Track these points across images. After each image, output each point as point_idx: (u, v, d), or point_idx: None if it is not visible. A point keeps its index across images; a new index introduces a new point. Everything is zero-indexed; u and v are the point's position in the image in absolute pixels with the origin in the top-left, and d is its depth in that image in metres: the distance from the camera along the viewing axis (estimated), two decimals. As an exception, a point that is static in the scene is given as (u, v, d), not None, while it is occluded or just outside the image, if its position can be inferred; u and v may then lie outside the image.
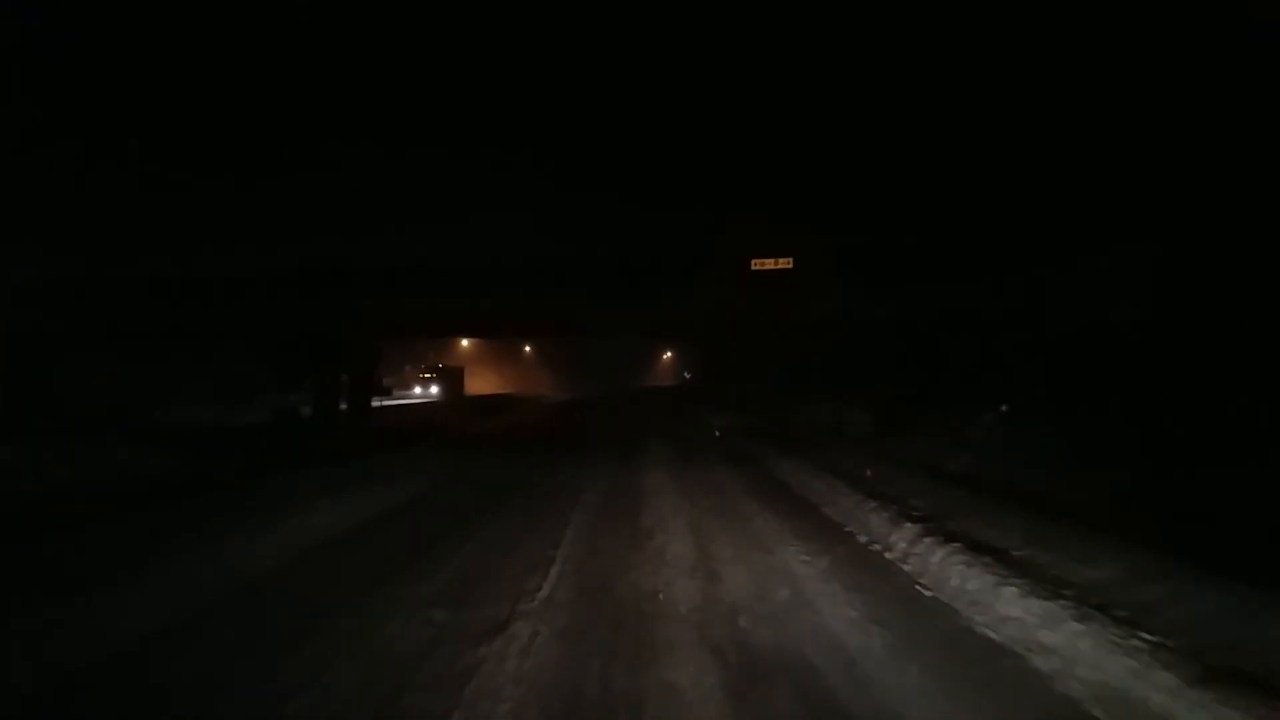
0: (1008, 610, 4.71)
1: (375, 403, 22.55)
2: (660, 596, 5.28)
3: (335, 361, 18.28)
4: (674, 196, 12.58)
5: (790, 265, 12.28)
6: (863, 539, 7.17)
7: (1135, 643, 3.89)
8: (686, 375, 70.81)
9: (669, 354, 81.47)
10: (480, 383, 62.18)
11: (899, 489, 8.84)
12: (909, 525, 6.92)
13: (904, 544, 6.60)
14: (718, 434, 19.02)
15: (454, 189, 15.03)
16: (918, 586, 5.63)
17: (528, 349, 73.90)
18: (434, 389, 41.18)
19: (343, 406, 20.25)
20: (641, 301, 14.53)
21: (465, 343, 69.18)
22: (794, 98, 11.84)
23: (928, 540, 6.37)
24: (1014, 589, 4.90)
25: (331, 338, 18.15)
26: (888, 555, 6.56)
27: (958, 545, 6.02)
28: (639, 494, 9.69)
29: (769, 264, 12.33)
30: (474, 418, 25.21)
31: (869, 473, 9.79)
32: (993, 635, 4.53)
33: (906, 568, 6.10)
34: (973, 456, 9.92)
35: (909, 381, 12.39)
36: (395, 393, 39.08)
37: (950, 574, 5.61)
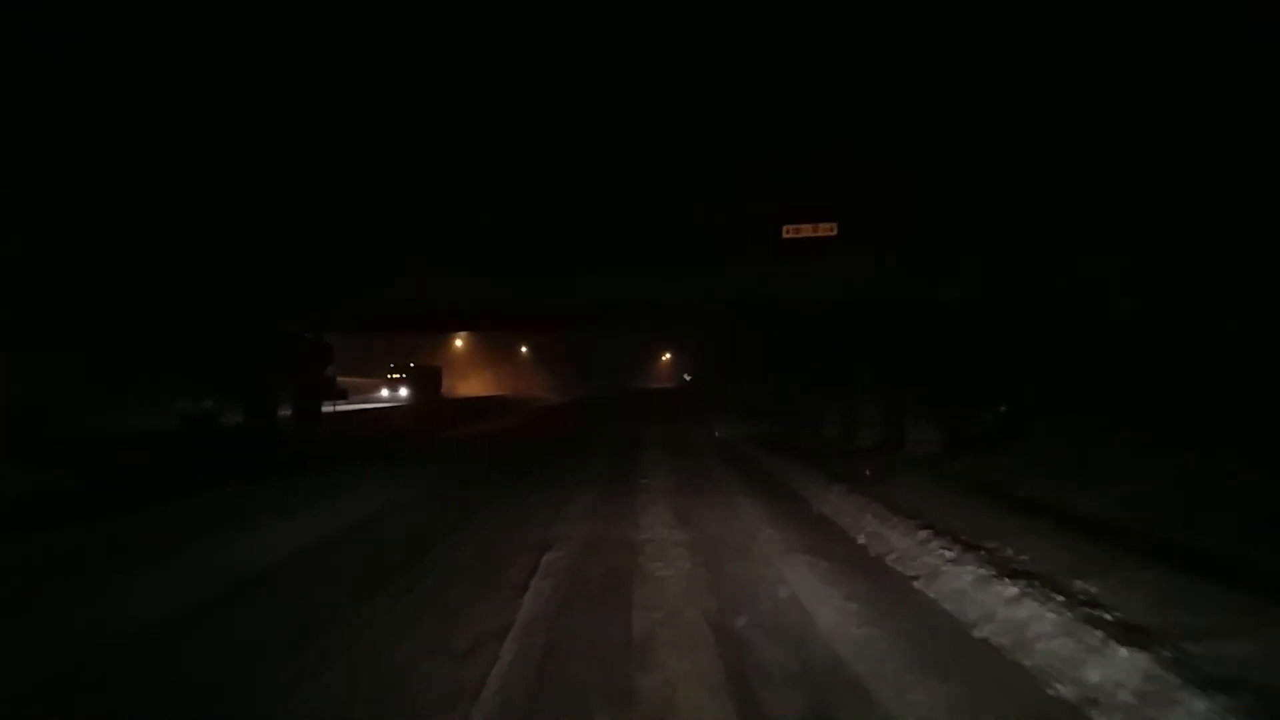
0: None
1: (329, 408, 19.40)
2: None
3: (273, 359, 15.17)
4: (681, 143, 9.46)
5: (834, 232, 9.22)
6: (1020, 662, 4.06)
7: None
8: (686, 377, 68.82)
9: (668, 355, 79.96)
10: (473, 384, 59.69)
11: (1035, 551, 5.71)
12: (1120, 650, 3.79)
13: (1127, 696, 3.48)
14: (731, 447, 15.90)
15: (422, 144, 11.75)
16: None
17: (524, 349, 71.61)
18: (403, 391, 37.66)
19: (286, 412, 17.17)
20: (641, 284, 11.41)
21: (459, 342, 66.84)
22: (840, 13, 8.77)
23: (1186, 691, 3.24)
24: None
25: (268, 330, 15.04)
26: (1096, 716, 3.45)
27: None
28: (631, 554, 6.54)
29: (806, 230, 9.27)
30: (447, 425, 22.08)
31: (982, 524, 6.63)
32: None
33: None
34: (1121, 498, 6.77)
35: (993, 385, 9.29)
36: (365, 395, 35.59)
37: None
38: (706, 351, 51.78)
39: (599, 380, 64.02)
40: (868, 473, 9.86)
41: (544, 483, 10.62)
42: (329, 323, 17.74)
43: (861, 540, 7.03)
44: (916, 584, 5.62)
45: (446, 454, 14.85)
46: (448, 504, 9.08)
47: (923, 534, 6.55)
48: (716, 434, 21.25)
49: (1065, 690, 3.72)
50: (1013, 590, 4.86)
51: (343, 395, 23.44)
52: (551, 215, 11.03)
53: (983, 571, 5.32)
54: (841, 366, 13.67)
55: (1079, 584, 4.86)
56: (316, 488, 9.88)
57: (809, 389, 16.68)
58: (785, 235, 9.36)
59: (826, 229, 9.27)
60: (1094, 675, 3.73)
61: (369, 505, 8.70)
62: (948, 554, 5.90)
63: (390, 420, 22.62)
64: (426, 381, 37.95)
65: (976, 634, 4.58)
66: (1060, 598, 4.60)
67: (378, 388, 37.04)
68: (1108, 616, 4.24)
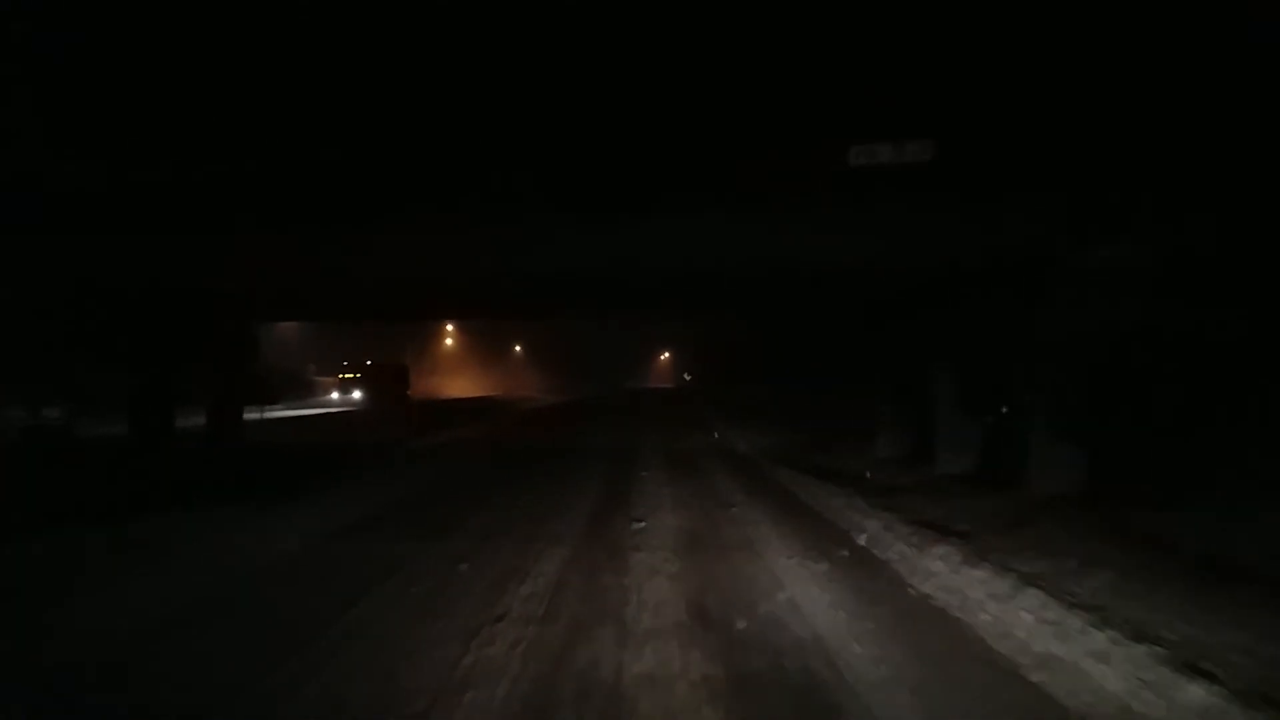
0: None
1: (254, 414, 16.11)
2: None
3: (168, 353, 11.93)
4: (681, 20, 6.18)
5: (929, 155, 5.96)
6: None
7: None
8: (686, 377, 67.35)
9: (667, 354, 78.78)
10: (463, 384, 56.86)
11: None
12: None
13: None
14: (751, 466, 12.67)
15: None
16: None
17: (517, 349, 69.01)
18: (357, 393, 33.09)
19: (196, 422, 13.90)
20: (635, 246, 8.17)
21: (449, 341, 64.08)
22: None
23: None
24: None
25: (166, 316, 11.80)
26: None
27: None
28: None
29: (884, 153, 5.99)
30: (413, 432, 18.76)
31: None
32: None
33: None
34: None
35: (1173, 389, 6.02)
36: (314, 397, 31.59)
37: None
38: (708, 350, 48.89)
39: (596, 380, 62.20)
40: (962, 520, 6.61)
41: (497, 529, 7.38)
42: (255, 307, 14.48)
43: (1070, 701, 3.74)
44: None
45: (385, 476, 11.56)
46: (332, 575, 5.81)
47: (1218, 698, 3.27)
48: (717, 436, 18.23)
49: None
50: None
51: (271, 399, 20.07)
52: (504, 151, 7.73)
53: None
54: (905, 362, 10.41)
55: None
56: (151, 544, 6.66)
57: (851, 392, 13.43)
58: (852, 163, 6.14)
59: (917, 150, 6.05)
60: None
61: (188, 589, 5.43)
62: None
63: (346, 427, 19.28)
64: (389, 381, 33.45)
65: None
66: None
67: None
68: None
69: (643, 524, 7.52)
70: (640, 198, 7.34)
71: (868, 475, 9.69)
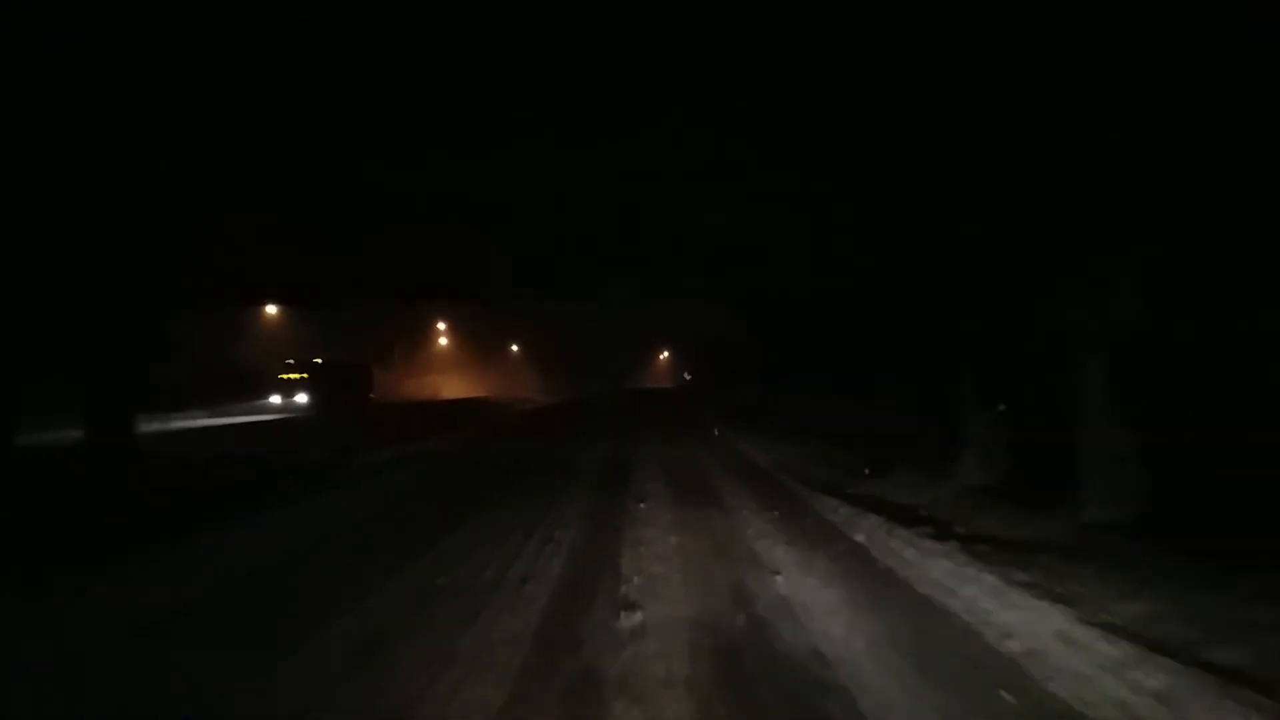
0: None
1: (160, 424, 13.20)
2: None
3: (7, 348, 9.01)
4: None
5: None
6: None
7: None
8: (686, 376, 65.75)
9: (666, 354, 77.39)
10: (459, 385, 54.97)
11: None
12: None
13: None
14: (783, 492, 9.85)
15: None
16: None
17: (514, 348, 67.06)
18: (302, 396, 27.79)
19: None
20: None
21: (443, 341, 62.08)
22: None
23: None
24: None
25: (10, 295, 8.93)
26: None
27: None
28: None
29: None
30: (373, 442, 15.86)
31: None
32: None
33: None
34: None
35: None
36: (257, 401, 27.09)
37: None
38: (709, 348, 46.05)
39: (594, 380, 60.81)
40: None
41: (400, 629, 4.53)
42: (157, 287, 11.58)
43: None
44: None
45: (289, 512, 8.60)
46: None
47: None
48: (724, 440, 15.74)
49: None
50: None
51: (174, 406, 17.01)
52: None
53: None
54: (999, 344, 7.43)
55: None
56: None
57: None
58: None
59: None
60: None
61: None
62: None
63: (284, 439, 16.30)
64: (344, 383, 29.33)
65: None
66: None
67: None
68: None
69: (637, 616, 4.62)
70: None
71: (960, 515, 6.75)
